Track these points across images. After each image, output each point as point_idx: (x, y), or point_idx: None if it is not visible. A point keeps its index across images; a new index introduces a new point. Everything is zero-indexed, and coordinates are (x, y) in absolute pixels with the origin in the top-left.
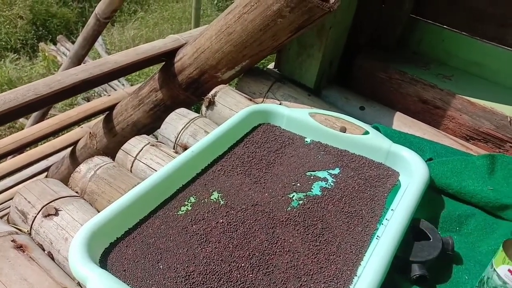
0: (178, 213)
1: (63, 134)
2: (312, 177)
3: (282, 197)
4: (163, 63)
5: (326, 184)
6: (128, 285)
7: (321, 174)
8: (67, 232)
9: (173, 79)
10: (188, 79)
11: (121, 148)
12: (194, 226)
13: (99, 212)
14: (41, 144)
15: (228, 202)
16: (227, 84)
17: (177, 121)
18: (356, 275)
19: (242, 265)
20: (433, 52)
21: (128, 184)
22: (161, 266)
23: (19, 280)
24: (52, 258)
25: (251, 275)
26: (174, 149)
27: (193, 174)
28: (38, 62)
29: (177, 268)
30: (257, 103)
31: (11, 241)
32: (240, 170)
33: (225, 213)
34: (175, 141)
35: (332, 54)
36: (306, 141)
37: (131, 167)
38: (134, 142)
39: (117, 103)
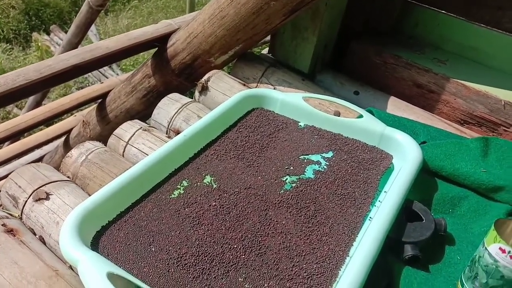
0: (170, 196)
1: (56, 123)
2: (305, 161)
3: (275, 180)
4: (156, 49)
5: (319, 167)
6: (120, 267)
7: (315, 157)
8: (58, 216)
9: (166, 65)
10: (181, 64)
11: (113, 133)
12: (186, 209)
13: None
14: (35, 133)
15: (221, 186)
16: (220, 69)
17: (169, 106)
18: (348, 256)
19: (235, 246)
20: (429, 37)
21: (120, 169)
22: (153, 249)
23: (9, 264)
24: (43, 242)
25: (243, 256)
26: (166, 134)
27: (186, 158)
28: (32, 52)
29: (169, 250)
30: (251, 88)
31: (2, 225)
32: (233, 154)
33: (218, 196)
34: (168, 126)
35: (327, 38)
36: (300, 126)
37: (123, 152)
38: (126, 127)
39: (110, 91)
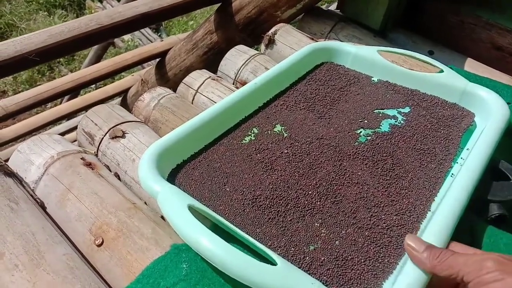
0: (242, 142)
1: (114, 82)
2: (380, 115)
3: (349, 132)
4: (220, 4)
5: (396, 121)
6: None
7: (390, 112)
8: (134, 154)
9: (229, 20)
10: (245, 19)
11: (183, 81)
12: (258, 154)
13: None
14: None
15: (292, 135)
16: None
17: (237, 57)
18: (430, 210)
19: (309, 193)
20: None
21: (192, 114)
22: (227, 189)
23: (90, 194)
24: (119, 179)
25: (318, 203)
26: (233, 85)
27: (256, 106)
28: None
29: (243, 192)
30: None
31: (80, 158)
32: (303, 106)
33: (290, 145)
34: (235, 77)
35: None
36: (373, 80)
37: (192, 100)
38: (195, 76)
39: (170, 49)
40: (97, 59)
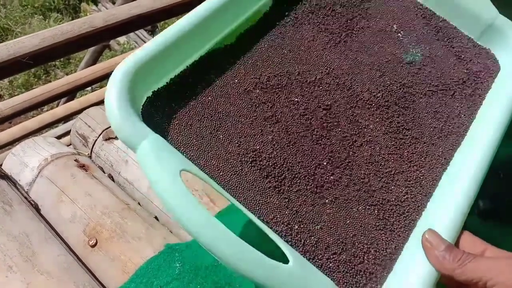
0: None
1: None
2: (401, 49)
3: (364, 68)
4: None
5: (418, 63)
6: (182, 153)
7: (414, 49)
8: (127, 155)
9: None
10: None
11: None
12: (258, 90)
13: None
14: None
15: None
16: None
17: None
18: (437, 186)
19: (317, 152)
20: None
21: None
22: (221, 136)
23: (84, 195)
24: (112, 180)
25: (329, 167)
26: None
27: (254, 7)
28: None
29: (240, 142)
30: None
31: (74, 160)
32: (311, 19)
33: (296, 82)
34: None
35: None
36: None
37: None
38: None
39: None
40: (93, 62)
